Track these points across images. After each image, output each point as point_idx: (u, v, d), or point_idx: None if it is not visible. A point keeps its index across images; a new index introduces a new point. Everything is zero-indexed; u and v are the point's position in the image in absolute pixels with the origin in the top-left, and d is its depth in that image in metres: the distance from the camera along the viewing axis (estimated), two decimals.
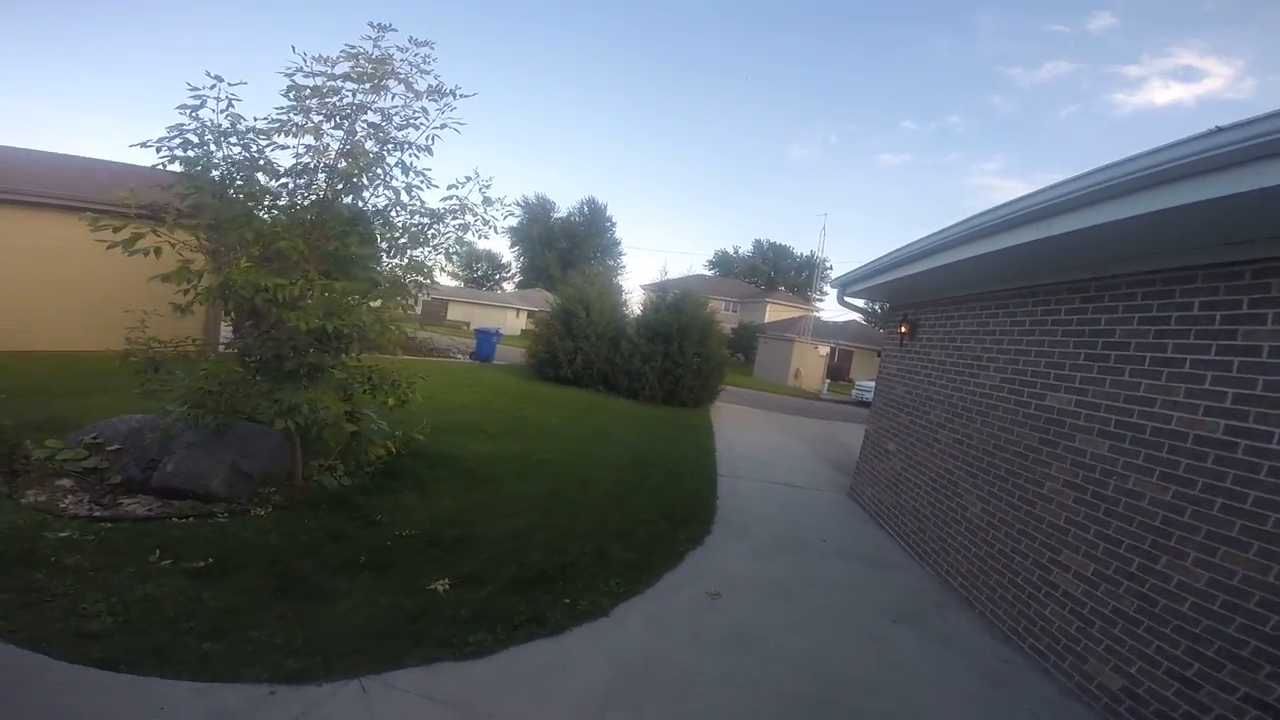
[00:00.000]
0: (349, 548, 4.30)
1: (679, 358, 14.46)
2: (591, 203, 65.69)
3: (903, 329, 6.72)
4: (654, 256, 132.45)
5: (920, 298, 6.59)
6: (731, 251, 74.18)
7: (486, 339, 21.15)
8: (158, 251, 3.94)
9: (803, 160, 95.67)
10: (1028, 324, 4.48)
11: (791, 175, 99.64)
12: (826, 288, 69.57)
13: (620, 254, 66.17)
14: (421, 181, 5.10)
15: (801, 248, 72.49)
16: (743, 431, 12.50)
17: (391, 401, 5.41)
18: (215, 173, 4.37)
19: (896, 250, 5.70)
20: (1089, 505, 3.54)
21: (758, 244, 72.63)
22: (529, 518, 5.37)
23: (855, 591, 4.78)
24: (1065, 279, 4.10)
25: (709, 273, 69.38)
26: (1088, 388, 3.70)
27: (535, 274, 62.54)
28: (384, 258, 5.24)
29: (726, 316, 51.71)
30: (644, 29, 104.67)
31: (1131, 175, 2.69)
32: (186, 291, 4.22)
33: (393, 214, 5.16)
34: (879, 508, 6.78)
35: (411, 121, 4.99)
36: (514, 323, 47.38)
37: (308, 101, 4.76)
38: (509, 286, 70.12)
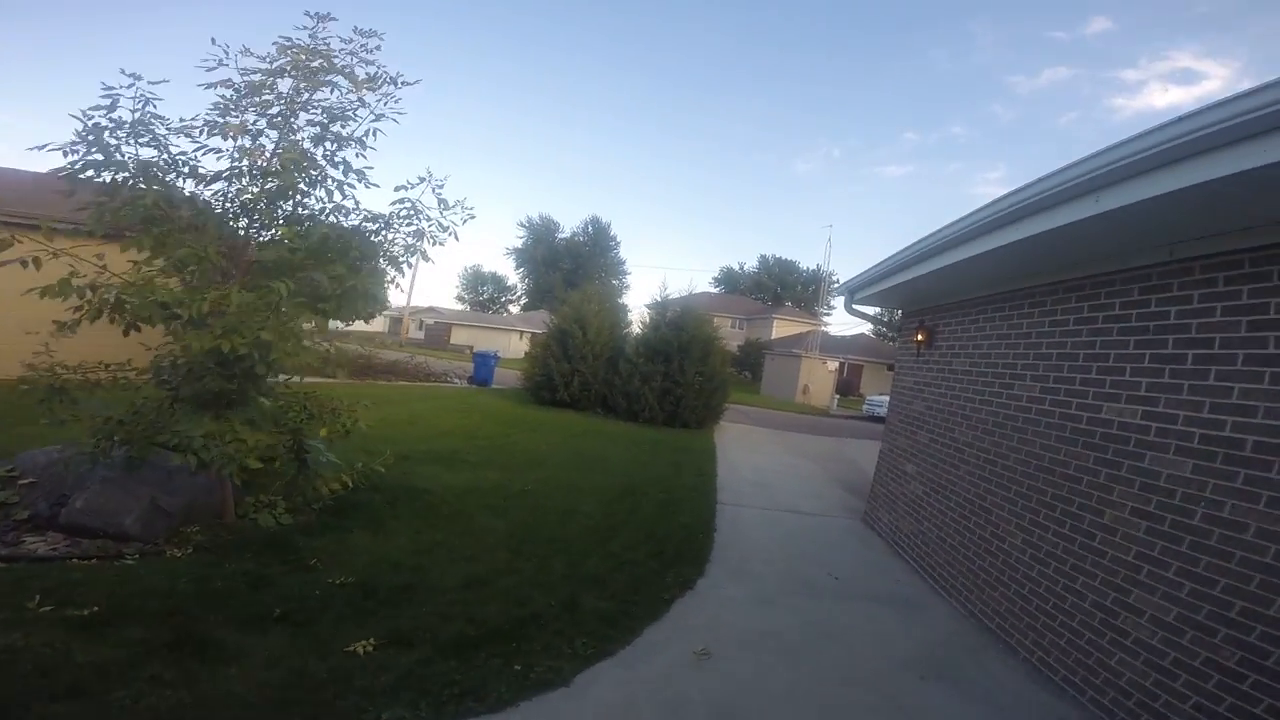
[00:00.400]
0: (268, 597, 3.64)
1: (680, 377, 13.77)
2: (595, 222, 65.69)
3: (919, 337, 6.01)
4: (659, 275, 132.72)
5: (937, 301, 5.90)
6: (737, 268, 73.79)
7: (484, 362, 20.59)
8: (36, 262, 3.36)
9: (807, 175, 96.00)
10: (1072, 323, 3.77)
11: (796, 190, 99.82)
12: (833, 301, 68.90)
13: (625, 273, 65.86)
14: (356, 179, 4.53)
15: (807, 262, 72.01)
16: (747, 453, 11.73)
17: (324, 431, 4.76)
18: (119, 174, 3.80)
19: (908, 247, 5.03)
20: (1168, 538, 2.80)
21: (763, 259, 72.20)
22: (493, 560, 4.67)
23: (874, 641, 4.02)
24: (1119, 267, 3.41)
25: (715, 290, 68.91)
26: (1157, 396, 2.99)
27: (540, 295, 62.33)
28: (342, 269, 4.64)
29: (732, 334, 51.15)
30: (645, 49, 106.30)
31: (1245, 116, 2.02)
32: (80, 308, 3.63)
33: (330, 220, 4.58)
34: (897, 535, 6.01)
35: (349, 114, 4.44)
36: (518, 346, 46.98)
37: (242, 100, 4.26)
38: (515, 309, 70.01)
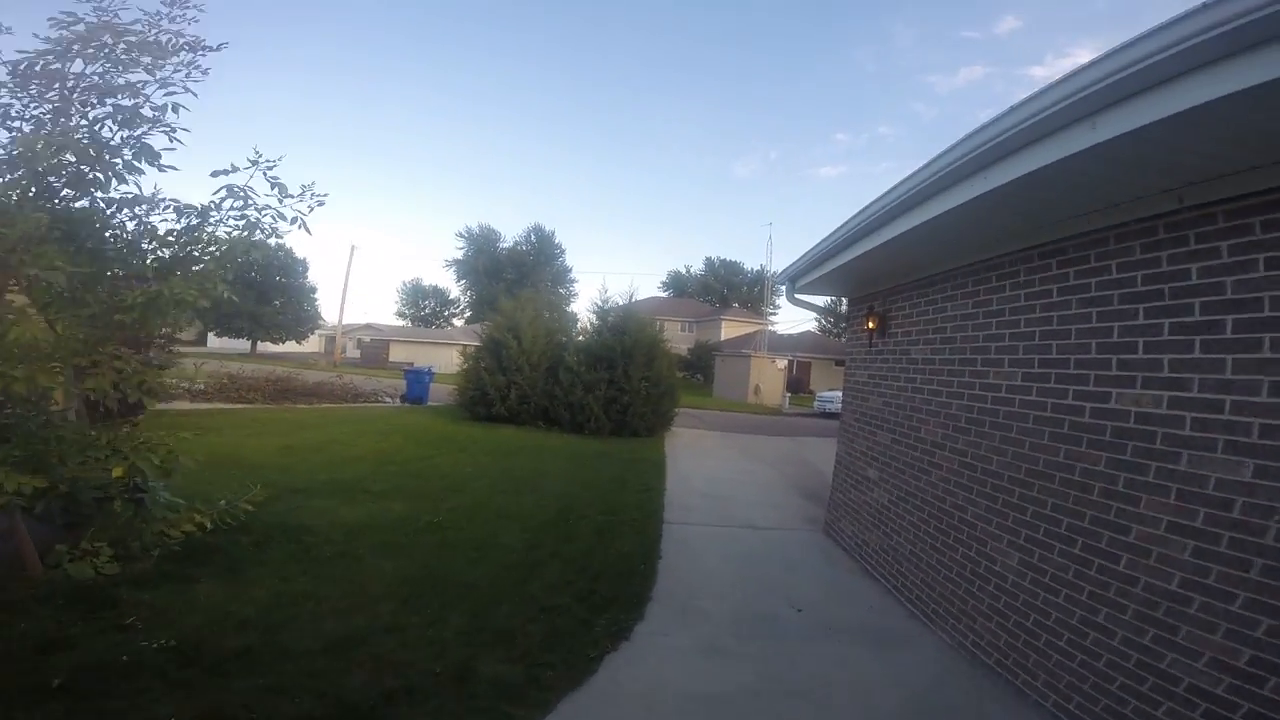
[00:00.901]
0: (56, 663, 2.77)
1: (625, 384, 12.95)
2: (538, 230, 64.28)
3: (869, 325, 5.39)
4: (608, 281, 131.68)
5: (889, 282, 5.30)
6: (684, 271, 73.87)
7: (418, 380, 19.21)
8: None
9: (747, 178, 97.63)
10: (1056, 293, 3.16)
11: (737, 193, 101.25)
12: (778, 301, 69.84)
13: (571, 281, 64.69)
14: (148, 161, 3.50)
15: (751, 262, 72.82)
16: (700, 459, 11.00)
17: (119, 471, 3.69)
18: None
19: (851, 220, 4.37)
20: (1228, 561, 2.16)
21: (709, 262, 72.52)
22: (373, 614, 3.70)
23: (852, 694, 3.27)
24: (1111, 223, 2.80)
25: (663, 294, 68.76)
26: (1190, 378, 2.35)
27: (483, 308, 60.23)
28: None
29: (682, 337, 50.90)
30: (580, 57, 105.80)
31: None
32: None
33: (126, 213, 3.53)
34: (864, 549, 5.35)
35: (138, 88, 3.42)
36: (460, 361, 45.07)
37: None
38: (458, 322, 67.64)
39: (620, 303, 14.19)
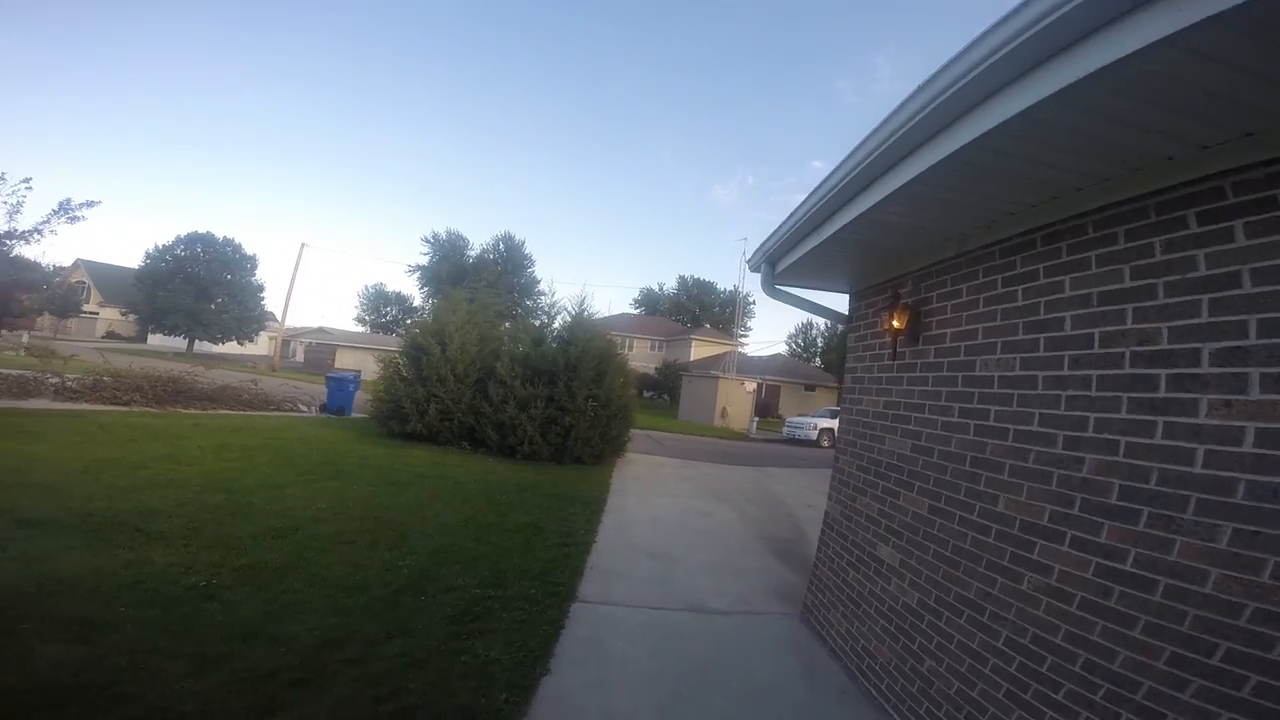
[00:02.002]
0: None
1: (567, 402, 10.88)
2: (508, 239, 61.91)
3: (891, 323, 3.49)
4: (571, 291, 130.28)
5: (928, 253, 3.43)
6: (657, 289, 72.56)
7: (340, 388, 16.80)
8: None
9: (724, 201, 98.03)
10: None
11: (714, 215, 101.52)
12: (750, 323, 68.64)
13: (540, 293, 62.50)
14: None
15: (725, 283, 71.89)
16: (650, 497, 8.98)
17: None
18: None
19: (865, 143, 2.51)
20: None
21: (682, 280, 71.37)
22: None
23: None
24: None
25: (635, 311, 67.08)
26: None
27: None
28: None
29: (652, 355, 49.07)
30: (567, 77, 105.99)
31: None
32: None
33: None
34: (866, 661, 3.42)
35: None
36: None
37: None
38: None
39: (570, 308, 12.18)
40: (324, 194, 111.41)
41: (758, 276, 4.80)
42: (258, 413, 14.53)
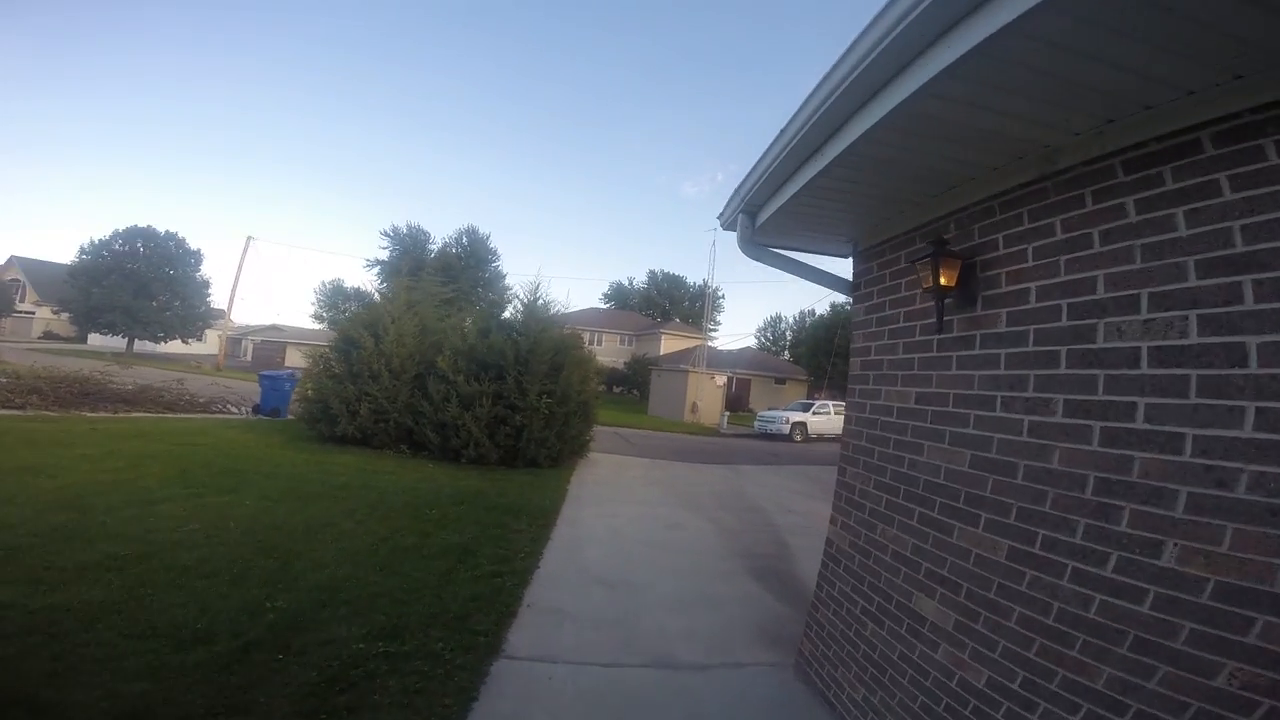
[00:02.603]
0: None
1: (517, 399, 9.66)
2: (471, 233, 59.57)
3: (937, 281, 2.40)
4: (550, 293, 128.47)
5: (992, 184, 2.37)
6: (627, 283, 71.29)
7: (275, 387, 15.16)
8: None
9: (694, 198, 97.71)
10: None
11: (685, 212, 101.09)
12: (720, 318, 68.10)
13: (506, 288, 60.64)
14: None
15: (695, 278, 71.17)
16: (610, 505, 7.86)
17: None
18: None
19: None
20: None
21: (652, 274, 70.36)
22: None
23: None
24: None
25: (604, 305, 65.69)
26: None
27: None
28: None
29: (621, 350, 47.88)
30: (535, 74, 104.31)
31: None
32: None
33: None
34: None
35: None
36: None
37: None
38: None
39: (523, 296, 10.90)
40: (280, 189, 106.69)
41: (733, 236, 3.71)
42: (178, 415, 12.97)
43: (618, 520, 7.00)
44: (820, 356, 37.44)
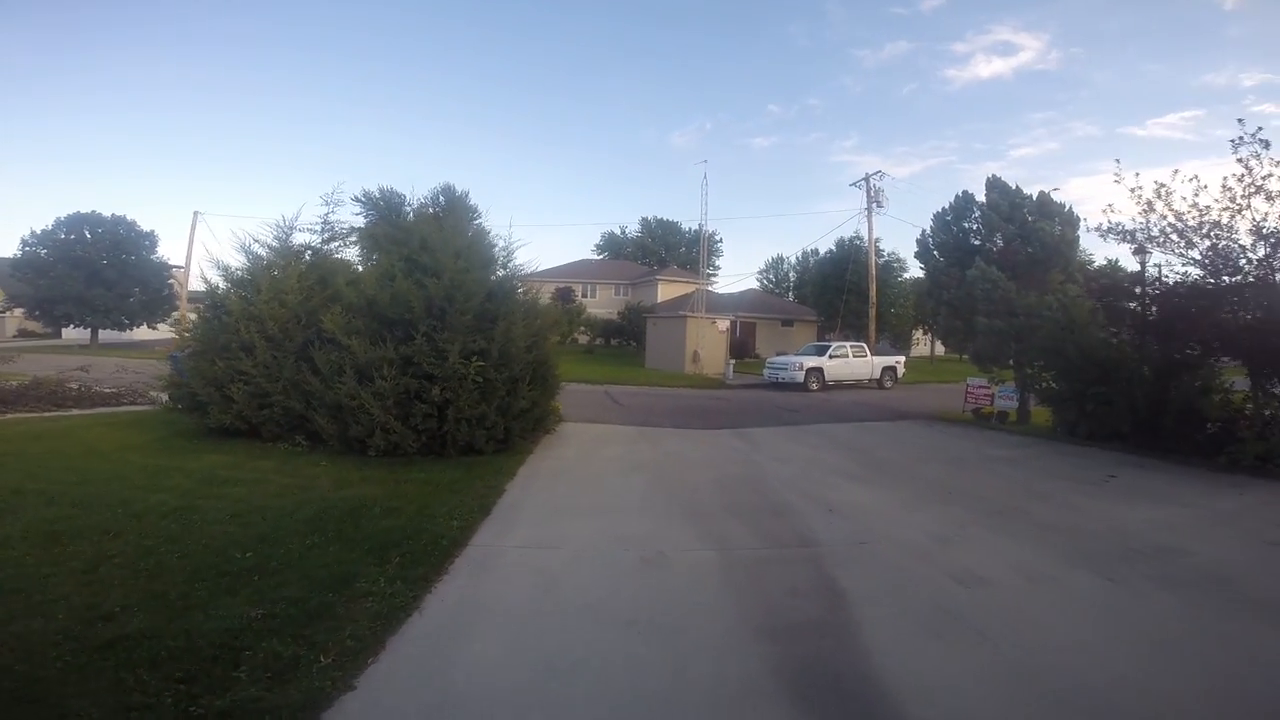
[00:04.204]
0: None
1: (433, 365, 6.89)
2: (448, 191, 55.52)
3: None
4: (539, 249, 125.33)
5: None
6: (619, 232, 67.41)
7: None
8: None
9: (683, 148, 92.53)
10: None
11: (675, 161, 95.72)
12: (718, 262, 64.44)
13: (489, 245, 57.20)
14: None
15: (690, 222, 67.15)
16: (556, 522, 5.20)
17: None
18: None
19: None
20: None
21: (645, 222, 66.49)
22: None
23: None
24: None
25: (597, 256, 62.14)
26: None
27: None
28: None
29: (615, 301, 44.72)
30: (516, 25, 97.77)
31: None
32: None
33: None
34: None
35: None
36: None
37: None
38: None
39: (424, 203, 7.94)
40: (236, 162, 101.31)
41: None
42: (64, 413, 10.52)
43: (560, 555, 4.33)
44: (830, 295, 34.18)
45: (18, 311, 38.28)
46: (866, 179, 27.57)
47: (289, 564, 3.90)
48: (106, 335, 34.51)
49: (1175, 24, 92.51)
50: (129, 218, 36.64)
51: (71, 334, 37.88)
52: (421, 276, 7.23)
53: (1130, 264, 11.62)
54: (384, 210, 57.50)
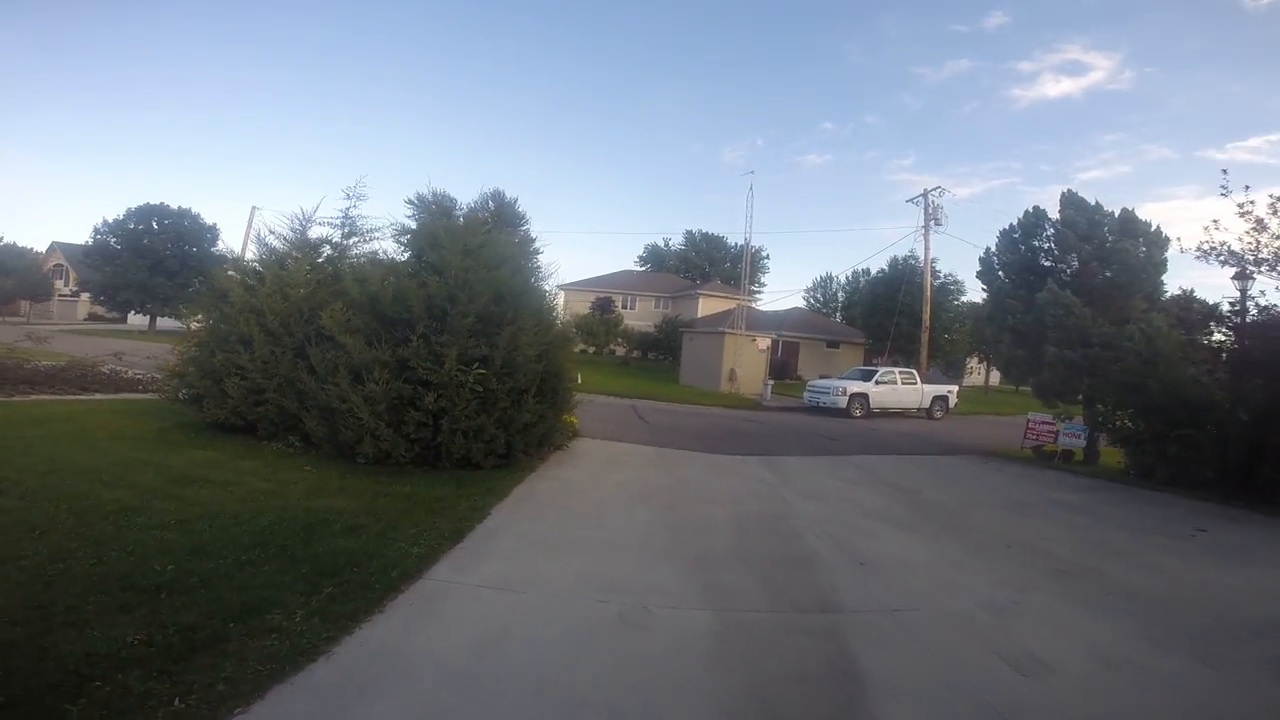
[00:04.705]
0: None
1: (429, 370, 6.38)
2: (498, 196, 56.41)
3: None
4: (582, 258, 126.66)
5: None
6: (663, 244, 67.06)
7: None
8: None
9: (734, 163, 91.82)
10: None
11: (723, 177, 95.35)
12: (764, 279, 63.10)
13: (537, 252, 57.77)
14: None
15: (735, 237, 66.34)
16: (535, 557, 4.52)
17: None
18: None
19: None
20: None
21: (689, 235, 65.81)
22: None
23: None
24: None
25: (639, 268, 61.91)
26: None
27: None
28: None
29: (654, 314, 44.16)
30: (569, 40, 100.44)
31: None
32: None
33: None
34: None
35: None
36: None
37: None
38: None
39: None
40: (299, 164, 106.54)
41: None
42: (89, 396, 10.73)
43: (524, 601, 3.63)
44: (880, 316, 32.56)
45: (86, 296, 40.79)
46: (924, 194, 26.19)
47: (208, 582, 3.37)
48: (165, 323, 36.22)
49: (1257, 44, 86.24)
50: (194, 210, 38.50)
51: (135, 320, 40.07)
52: (425, 275, 6.77)
53: (1209, 293, 10.26)
54: (435, 213, 58.89)
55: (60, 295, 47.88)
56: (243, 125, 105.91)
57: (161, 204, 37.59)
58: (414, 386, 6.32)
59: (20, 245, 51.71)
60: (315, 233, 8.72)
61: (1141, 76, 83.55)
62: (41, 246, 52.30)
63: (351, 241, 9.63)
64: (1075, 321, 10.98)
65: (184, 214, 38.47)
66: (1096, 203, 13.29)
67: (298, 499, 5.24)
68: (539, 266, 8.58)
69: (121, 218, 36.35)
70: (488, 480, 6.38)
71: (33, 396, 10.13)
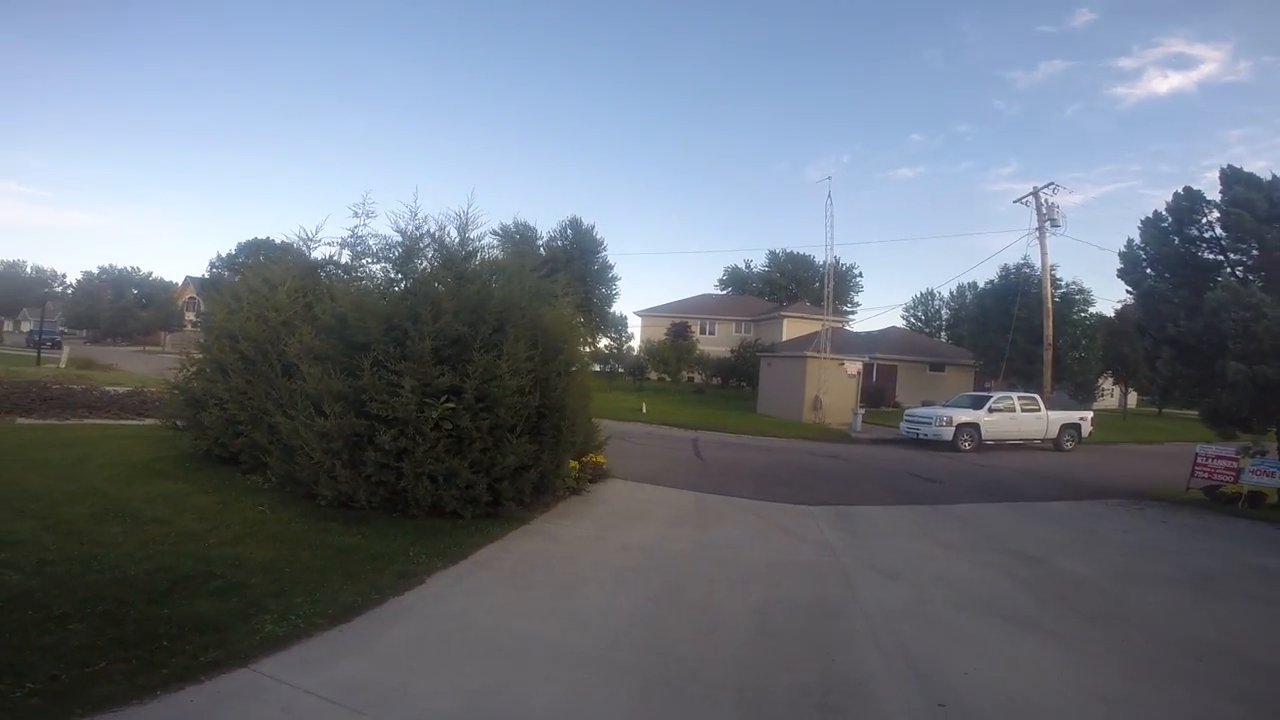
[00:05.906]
0: None
1: (382, 404, 5.29)
2: (575, 224, 57.55)
3: None
4: (661, 285, 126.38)
5: None
6: (744, 266, 64.86)
7: None
8: None
9: (819, 182, 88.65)
10: None
11: (808, 196, 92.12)
12: (857, 298, 58.95)
13: (614, 279, 57.71)
14: None
15: (822, 254, 62.89)
16: (412, 670, 3.14)
17: None
18: None
19: None
20: None
21: (773, 255, 63.16)
22: None
23: None
24: None
25: (720, 292, 60.12)
26: None
27: None
28: None
29: (734, 339, 42.03)
30: (648, 61, 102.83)
31: None
32: None
33: None
34: None
35: None
36: None
37: None
38: None
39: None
40: (390, 189, 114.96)
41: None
42: (140, 421, 11.17)
43: None
44: (992, 334, 28.48)
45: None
46: (1035, 193, 22.71)
47: None
48: None
49: None
50: (297, 245, 42.19)
51: None
52: (406, 290, 5.79)
53: None
54: (518, 243, 60.95)
55: (191, 326, 54.32)
56: (349, 164, 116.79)
57: (268, 238, 41.28)
58: (369, 422, 5.26)
59: (159, 278, 59.24)
60: (320, 253, 8.18)
61: (1260, 65, 72.20)
62: (178, 279, 59.59)
63: (364, 262, 9.00)
64: (1268, 327, 8.15)
65: (286, 248, 42.15)
66: (1275, 176, 10.22)
67: (214, 544, 4.32)
68: (552, 281, 7.43)
69: (234, 251, 40.22)
70: (455, 535, 5.15)
71: (87, 420, 10.55)
